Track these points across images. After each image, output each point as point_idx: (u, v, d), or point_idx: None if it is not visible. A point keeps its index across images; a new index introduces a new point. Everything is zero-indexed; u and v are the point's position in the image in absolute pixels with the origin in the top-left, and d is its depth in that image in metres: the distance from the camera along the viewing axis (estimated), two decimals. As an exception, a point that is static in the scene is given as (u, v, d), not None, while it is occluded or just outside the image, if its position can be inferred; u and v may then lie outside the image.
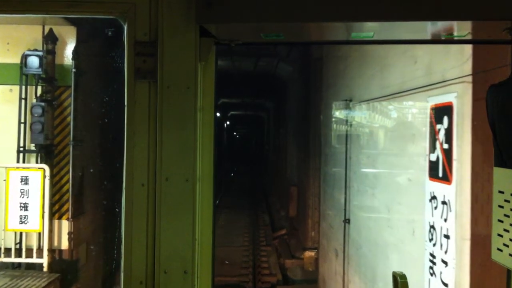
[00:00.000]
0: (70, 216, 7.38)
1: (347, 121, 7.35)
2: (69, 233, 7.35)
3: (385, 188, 5.36)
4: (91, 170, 8.12)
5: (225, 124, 35.48)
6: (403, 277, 1.77)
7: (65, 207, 7.41)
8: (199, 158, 1.81)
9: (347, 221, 7.01)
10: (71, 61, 7.38)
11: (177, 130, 1.78)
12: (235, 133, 43.07)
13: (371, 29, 1.79)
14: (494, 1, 1.69)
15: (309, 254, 9.96)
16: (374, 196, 5.78)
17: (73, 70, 7.35)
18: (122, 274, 1.78)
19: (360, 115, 6.86)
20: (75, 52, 7.39)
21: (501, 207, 1.76)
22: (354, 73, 6.98)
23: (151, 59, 1.78)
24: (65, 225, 7.37)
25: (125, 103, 1.79)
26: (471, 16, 1.73)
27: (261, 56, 13.16)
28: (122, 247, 1.78)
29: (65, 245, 7.38)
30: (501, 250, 1.77)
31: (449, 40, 1.89)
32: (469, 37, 1.82)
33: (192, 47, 1.79)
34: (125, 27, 1.79)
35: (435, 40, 1.88)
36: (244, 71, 15.22)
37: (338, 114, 8.42)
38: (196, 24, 1.78)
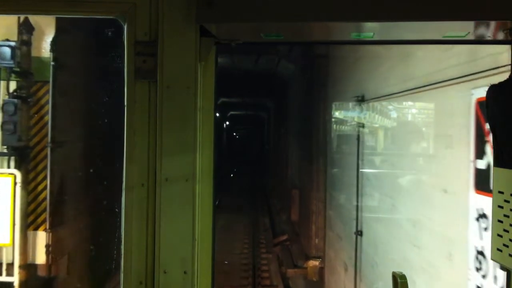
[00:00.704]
0: (47, 227, 7.43)
1: (358, 120, 7.52)
2: (47, 246, 7.42)
3: (408, 199, 5.21)
4: (73, 175, 8.22)
5: (225, 124, 37.11)
6: (403, 277, 2.07)
7: (42, 217, 7.48)
8: (199, 158, 2.11)
9: (359, 233, 7.18)
10: (49, 53, 7.46)
11: (177, 130, 2.08)
12: (234, 134, 45.19)
13: (371, 29, 2.09)
14: (494, 1, 1.99)
15: (313, 263, 10.30)
16: (394, 207, 5.71)
17: (52, 63, 7.45)
18: (122, 274, 2.08)
19: (375, 113, 6.95)
20: (54, 43, 7.45)
21: (501, 207, 2.07)
22: (367, 67, 7.14)
23: (151, 59, 2.08)
24: (42, 237, 7.41)
25: (125, 103, 2.10)
26: (471, 16, 2.03)
27: (262, 53, 13.66)
28: (122, 247, 2.08)
29: (41, 259, 7.41)
30: (500, 250, 2.07)
31: (449, 40, 2.19)
32: (469, 37, 2.13)
33: (192, 46, 2.09)
34: (125, 27, 2.10)
35: (435, 40, 2.19)
36: (244, 69, 15.84)
37: (347, 112, 8.66)
38: (196, 24, 2.09)
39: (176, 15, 2.09)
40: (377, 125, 7.01)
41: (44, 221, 7.45)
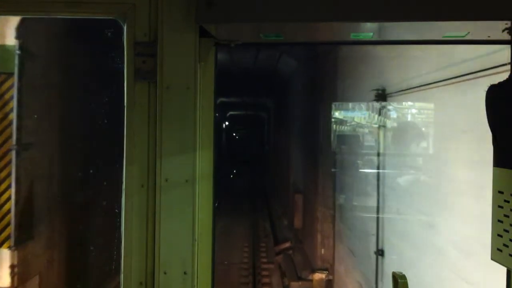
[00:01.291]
0: (12, 244, 7.01)
1: (378, 117, 7.31)
2: (12, 266, 6.99)
3: (454, 217, 4.74)
4: (44, 182, 7.74)
5: (224, 125, 38.40)
6: (403, 277, 2.30)
7: (5, 233, 7.04)
8: (198, 158, 2.33)
9: (379, 252, 6.95)
10: (14, 40, 6.94)
11: (176, 130, 2.30)
12: (234, 134, 46.74)
13: (370, 29, 2.32)
14: (493, 1, 2.21)
15: (319, 276, 10.48)
16: (430, 226, 5.26)
17: (17, 52, 6.95)
18: (121, 275, 2.30)
19: (399, 108, 6.61)
20: (20, 28, 6.91)
21: (501, 207, 2.29)
22: (389, 55, 6.80)
23: (151, 59, 2.31)
24: (6, 256, 6.98)
25: (125, 104, 2.32)
26: (471, 16, 2.26)
27: (261, 49, 13.95)
28: (122, 248, 2.31)
29: (5, 282, 6.99)
30: (500, 251, 2.30)
31: (449, 40, 2.42)
32: (469, 37, 2.36)
33: (192, 47, 2.32)
34: (125, 28, 2.32)
35: (435, 40, 2.42)
36: (243, 66, 16.14)
37: (363, 109, 8.56)
38: (196, 24, 2.31)
39: (176, 16, 2.31)
40: (402, 123, 6.69)
41: (8, 237, 7.00)
